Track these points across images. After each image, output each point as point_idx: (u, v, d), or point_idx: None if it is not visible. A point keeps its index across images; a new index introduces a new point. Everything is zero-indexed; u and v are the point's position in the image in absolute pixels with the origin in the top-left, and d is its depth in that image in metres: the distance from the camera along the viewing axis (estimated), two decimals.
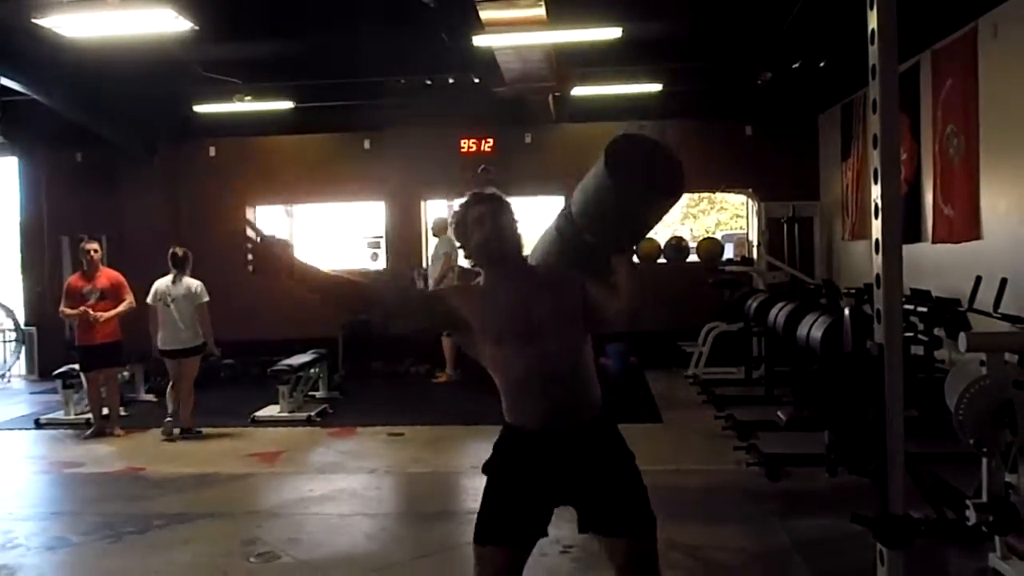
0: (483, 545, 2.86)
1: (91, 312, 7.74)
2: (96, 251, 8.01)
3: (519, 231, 2.94)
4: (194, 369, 7.95)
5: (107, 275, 8.04)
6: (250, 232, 2.80)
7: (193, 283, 7.90)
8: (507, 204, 2.94)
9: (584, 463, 2.82)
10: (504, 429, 2.93)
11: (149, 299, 7.85)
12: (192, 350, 7.88)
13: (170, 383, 7.97)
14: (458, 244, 3.01)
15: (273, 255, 2.80)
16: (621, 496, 2.83)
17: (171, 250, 8.01)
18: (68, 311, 7.83)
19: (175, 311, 7.79)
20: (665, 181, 2.84)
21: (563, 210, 3.06)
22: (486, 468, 2.93)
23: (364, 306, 2.98)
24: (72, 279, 8.11)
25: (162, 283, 7.87)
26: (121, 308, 7.92)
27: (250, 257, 2.81)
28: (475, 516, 2.91)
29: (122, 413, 8.66)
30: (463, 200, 3.00)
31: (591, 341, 2.92)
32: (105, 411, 8.05)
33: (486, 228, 2.87)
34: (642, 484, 2.88)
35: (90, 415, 8.12)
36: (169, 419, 7.87)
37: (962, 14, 6.98)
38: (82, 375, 8.24)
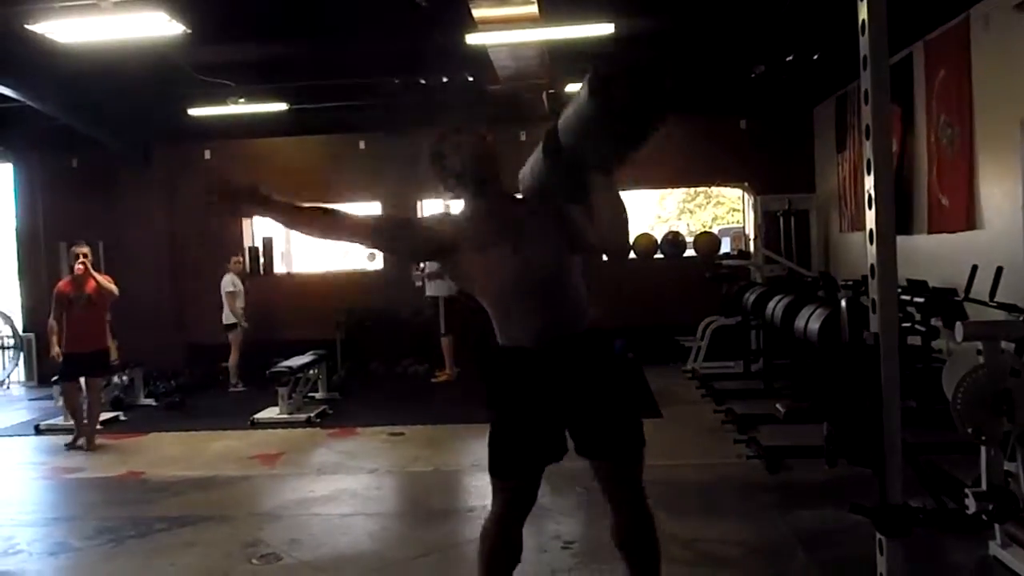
0: (494, 477, 2.98)
1: (84, 258, 7.69)
2: (86, 255, 7.85)
3: (497, 156, 3.00)
4: (232, 339, 10.73)
5: (96, 279, 7.90)
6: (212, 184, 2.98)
7: (224, 279, 10.69)
8: (484, 134, 3.02)
9: (578, 377, 2.87)
10: (499, 354, 2.97)
11: None
12: (227, 327, 10.70)
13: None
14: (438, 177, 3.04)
15: (237, 190, 3.00)
16: (609, 417, 2.90)
17: None
18: (54, 325, 7.75)
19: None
20: (648, 105, 2.63)
21: (549, 129, 2.93)
22: (489, 402, 3.00)
23: (332, 232, 3.05)
24: (61, 284, 7.96)
25: None
26: (111, 286, 7.85)
27: (214, 197, 2.97)
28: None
29: (122, 418, 8.70)
30: (437, 137, 3.06)
31: (578, 272, 2.96)
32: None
33: (464, 153, 2.94)
34: (632, 405, 2.97)
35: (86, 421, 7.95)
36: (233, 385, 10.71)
37: (954, 5, 6.99)
38: (61, 384, 8.02)
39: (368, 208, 12.86)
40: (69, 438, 7.86)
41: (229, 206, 3.03)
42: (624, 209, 2.80)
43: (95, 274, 7.84)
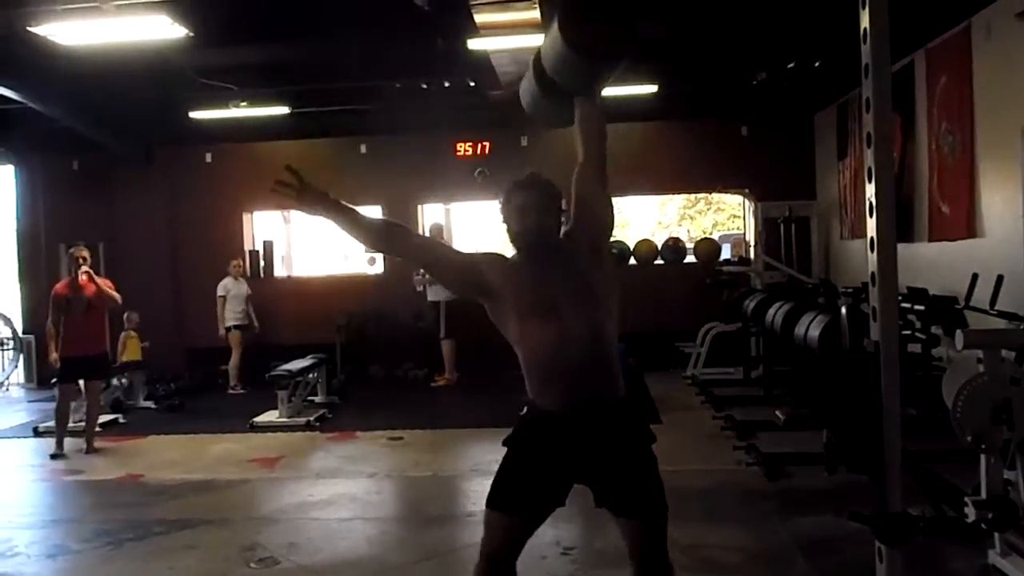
0: (494, 510, 2.91)
1: (86, 267, 7.59)
2: (86, 258, 7.74)
3: (560, 220, 2.96)
4: (232, 341, 10.87)
5: (98, 284, 7.78)
6: (289, 178, 3.10)
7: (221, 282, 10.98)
8: (552, 193, 2.95)
9: (604, 447, 2.85)
10: (529, 409, 2.95)
11: None
12: (228, 329, 10.89)
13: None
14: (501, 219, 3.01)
15: (314, 195, 3.12)
16: (637, 481, 2.88)
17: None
18: (52, 329, 7.61)
19: None
20: (613, 42, 3.03)
21: (535, 58, 3.36)
22: (507, 441, 2.96)
23: (387, 246, 3.16)
24: (58, 286, 7.78)
25: None
26: (114, 293, 7.76)
27: (294, 197, 3.11)
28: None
29: (121, 421, 8.69)
30: (512, 182, 2.99)
31: (616, 324, 2.92)
32: (78, 425, 7.89)
33: (528, 220, 2.88)
34: (657, 471, 2.92)
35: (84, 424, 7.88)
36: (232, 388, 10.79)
37: (955, 13, 6.99)
38: (58, 387, 7.84)
39: (369, 211, 12.87)
40: (68, 439, 7.82)
41: (298, 202, 3.11)
42: (600, 120, 3.16)
43: (97, 280, 7.77)
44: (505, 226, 2.97)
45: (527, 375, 2.92)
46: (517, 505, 2.90)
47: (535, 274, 2.87)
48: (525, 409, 2.97)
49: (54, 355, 7.68)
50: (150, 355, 10.41)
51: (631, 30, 3.04)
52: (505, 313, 2.90)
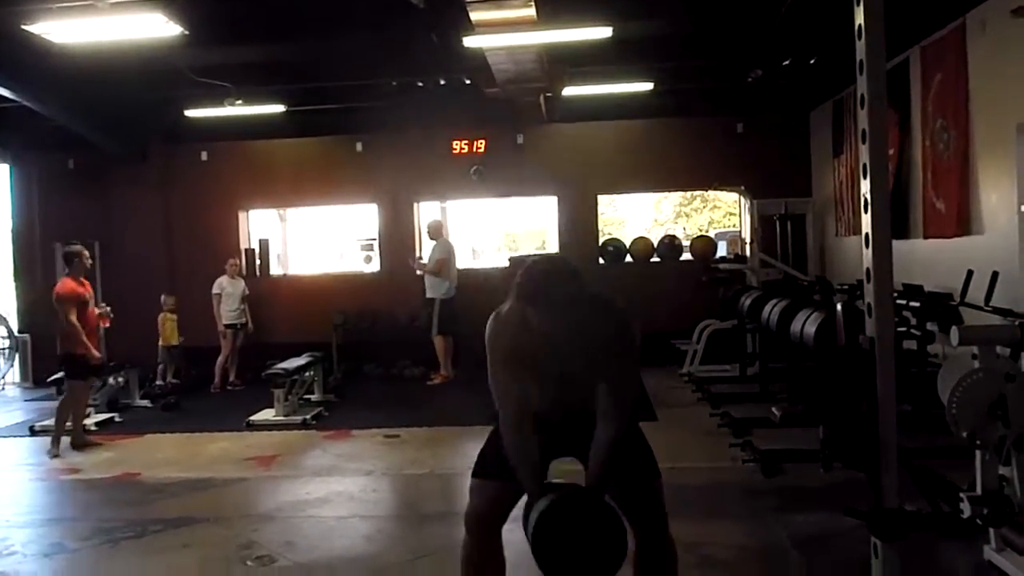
0: (478, 478, 3.03)
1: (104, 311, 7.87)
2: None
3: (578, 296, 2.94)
4: (224, 339, 10.89)
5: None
6: None
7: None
8: (569, 274, 2.94)
9: (589, 430, 2.92)
10: None
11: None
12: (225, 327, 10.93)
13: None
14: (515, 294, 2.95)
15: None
16: (623, 452, 2.94)
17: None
18: (77, 326, 7.43)
19: None
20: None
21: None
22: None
23: None
24: (73, 285, 7.58)
25: None
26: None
27: None
28: None
29: (117, 419, 8.69)
30: (524, 263, 2.99)
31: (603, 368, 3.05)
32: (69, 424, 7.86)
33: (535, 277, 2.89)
34: (643, 439, 3.06)
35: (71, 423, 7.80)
36: (216, 386, 10.80)
37: (950, 9, 7.00)
38: (73, 383, 7.71)
39: (364, 210, 12.90)
40: (65, 438, 7.77)
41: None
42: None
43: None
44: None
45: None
46: (498, 470, 2.95)
47: (533, 344, 2.86)
48: None
49: (96, 353, 7.64)
50: (145, 354, 10.42)
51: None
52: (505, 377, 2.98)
